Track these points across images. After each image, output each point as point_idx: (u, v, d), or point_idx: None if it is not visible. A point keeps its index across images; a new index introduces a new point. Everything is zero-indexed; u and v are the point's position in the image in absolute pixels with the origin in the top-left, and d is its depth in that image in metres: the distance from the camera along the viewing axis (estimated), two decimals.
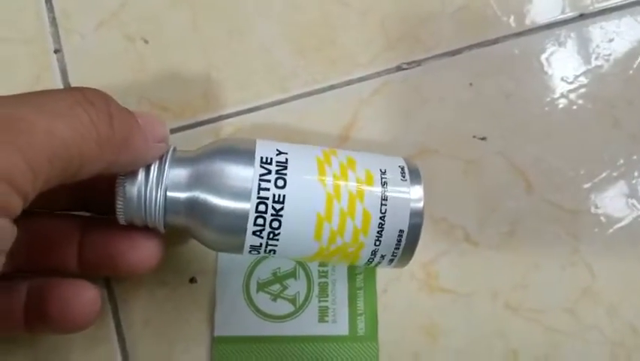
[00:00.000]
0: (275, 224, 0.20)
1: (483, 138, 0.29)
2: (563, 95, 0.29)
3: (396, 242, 0.22)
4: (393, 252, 0.22)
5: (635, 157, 0.28)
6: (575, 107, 0.29)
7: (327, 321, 0.26)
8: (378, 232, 0.21)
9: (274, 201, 0.20)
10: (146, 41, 0.29)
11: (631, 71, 0.29)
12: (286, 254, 0.22)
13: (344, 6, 0.30)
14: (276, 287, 0.26)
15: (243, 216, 0.20)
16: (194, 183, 0.21)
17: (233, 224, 0.20)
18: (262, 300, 0.26)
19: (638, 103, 0.29)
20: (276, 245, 0.21)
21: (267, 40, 0.30)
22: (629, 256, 0.28)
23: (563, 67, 0.29)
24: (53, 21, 0.29)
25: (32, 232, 0.22)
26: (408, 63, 0.29)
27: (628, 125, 0.29)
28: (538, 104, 0.29)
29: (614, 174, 0.28)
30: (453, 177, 0.28)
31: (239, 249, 0.21)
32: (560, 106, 0.29)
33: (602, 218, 0.28)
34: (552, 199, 0.28)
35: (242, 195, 0.20)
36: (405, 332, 0.27)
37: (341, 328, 0.26)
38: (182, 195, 0.21)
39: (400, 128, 0.29)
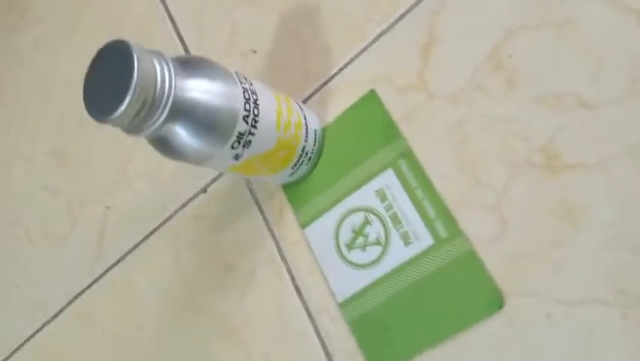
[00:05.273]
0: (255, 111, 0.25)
1: None
2: None
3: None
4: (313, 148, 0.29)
5: None
6: None
7: (411, 242, 0.27)
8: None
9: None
10: (254, 51, 0.35)
11: None
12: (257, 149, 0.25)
13: None
14: (360, 240, 0.29)
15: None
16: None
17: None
18: (356, 256, 0.29)
19: None
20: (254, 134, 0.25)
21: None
22: None
23: None
24: None
25: None
26: None
27: None
28: None
29: None
30: (545, 45, 0.25)
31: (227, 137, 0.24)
32: None
33: None
34: None
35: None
36: (539, 224, 0.25)
37: (426, 241, 0.27)
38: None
39: (482, 16, 0.27)
